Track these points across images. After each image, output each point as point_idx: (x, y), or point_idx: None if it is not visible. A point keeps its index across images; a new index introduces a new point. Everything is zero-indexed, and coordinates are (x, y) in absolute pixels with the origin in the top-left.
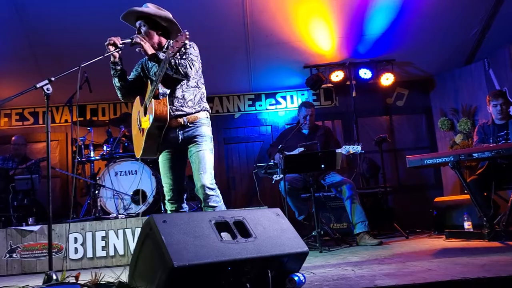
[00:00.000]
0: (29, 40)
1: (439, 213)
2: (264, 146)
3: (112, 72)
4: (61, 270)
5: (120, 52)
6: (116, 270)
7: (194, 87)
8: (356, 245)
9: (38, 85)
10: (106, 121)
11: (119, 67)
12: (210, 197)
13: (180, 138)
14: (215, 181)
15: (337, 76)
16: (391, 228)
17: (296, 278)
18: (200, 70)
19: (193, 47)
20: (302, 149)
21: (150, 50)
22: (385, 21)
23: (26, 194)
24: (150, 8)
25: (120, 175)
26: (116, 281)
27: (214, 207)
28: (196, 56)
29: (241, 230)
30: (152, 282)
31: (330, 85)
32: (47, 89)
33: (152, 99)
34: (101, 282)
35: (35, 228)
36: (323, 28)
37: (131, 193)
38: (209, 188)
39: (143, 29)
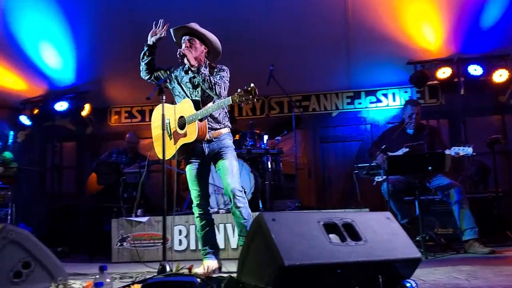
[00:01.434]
0: (136, 40)
1: None
2: (363, 145)
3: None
4: (171, 260)
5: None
6: (224, 263)
7: None
8: (464, 253)
9: (160, 83)
10: None
11: (149, 51)
12: (238, 198)
13: (206, 151)
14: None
15: (443, 72)
16: (502, 236)
17: (408, 285)
18: (226, 92)
19: (227, 71)
20: (406, 149)
21: (193, 61)
22: (498, 12)
23: (135, 187)
24: (200, 27)
25: None
26: (227, 275)
27: (240, 207)
28: (227, 81)
29: (351, 232)
30: (261, 279)
31: (435, 82)
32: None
33: (197, 121)
34: (212, 276)
35: (144, 219)
36: (429, 22)
37: None
38: (238, 190)
39: (192, 42)
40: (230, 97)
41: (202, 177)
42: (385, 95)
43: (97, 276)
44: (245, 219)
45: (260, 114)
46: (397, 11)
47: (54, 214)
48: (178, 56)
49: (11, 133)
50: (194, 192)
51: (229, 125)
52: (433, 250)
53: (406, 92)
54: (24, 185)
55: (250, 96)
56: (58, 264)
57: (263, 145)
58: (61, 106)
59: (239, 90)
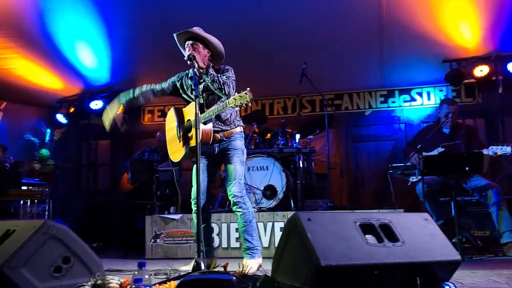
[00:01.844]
0: (169, 40)
1: None
2: (397, 145)
3: None
4: (204, 258)
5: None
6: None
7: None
8: (502, 256)
9: (195, 82)
10: None
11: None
12: (237, 203)
13: (216, 150)
14: (244, 189)
15: (481, 71)
16: None
17: None
18: (234, 91)
19: (231, 70)
20: (442, 149)
21: (201, 63)
22: None
23: (168, 185)
24: (203, 32)
25: (252, 170)
26: (262, 274)
27: (239, 212)
28: (234, 80)
29: (388, 233)
30: (297, 279)
31: (472, 80)
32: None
33: (201, 124)
34: (248, 274)
35: (177, 216)
36: (466, 19)
37: (262, 188)
38: (236, 196)
39: (195, 46)
40: (227, 100)
41: (203, 174)
42: (420, 94)
43: (136, 272)
44: (244, 224)
45: (292, 113)
46: (433, 7)
47: (89, 210)
48: (186, 58)
49: (48, 131)
50: (192, 188)
51: (241, 124)
52: (470, 253)
53: (441, 90)
54: (60, 182)
55: (246, 100)
56: (96, 259)
57: (295, 144)
58: (96, 104)
59: (236, 94)
